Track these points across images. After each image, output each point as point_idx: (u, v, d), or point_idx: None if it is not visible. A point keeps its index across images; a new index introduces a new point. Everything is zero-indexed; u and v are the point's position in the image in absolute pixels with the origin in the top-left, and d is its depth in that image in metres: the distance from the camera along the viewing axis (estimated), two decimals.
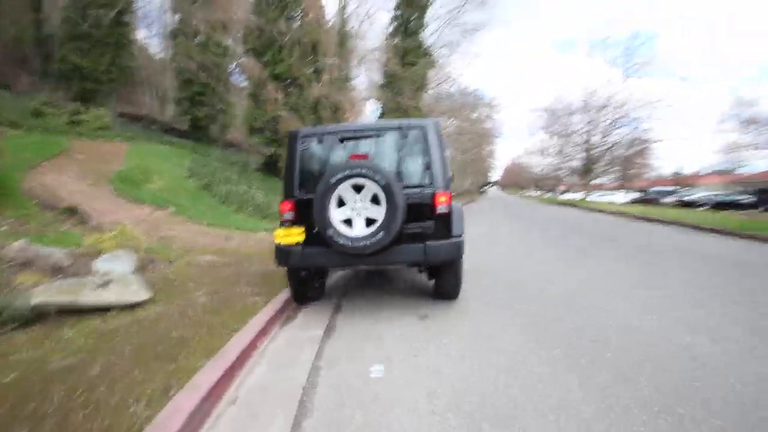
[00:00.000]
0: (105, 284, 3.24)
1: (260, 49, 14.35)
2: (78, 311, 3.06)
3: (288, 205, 3.53)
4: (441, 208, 3.37)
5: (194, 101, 19.04)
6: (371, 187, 3.19)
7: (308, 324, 3.44)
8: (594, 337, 2.87)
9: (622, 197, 32.86)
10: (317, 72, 14.95)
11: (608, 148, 28.35)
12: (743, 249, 6.64)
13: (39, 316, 2.90)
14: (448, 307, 3.72)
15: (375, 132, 3.59)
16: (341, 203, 3.27)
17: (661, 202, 22.11)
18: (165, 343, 2.67)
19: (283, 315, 3.63)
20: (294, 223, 3.52)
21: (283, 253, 3.49)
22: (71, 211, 6.23)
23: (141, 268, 4.52)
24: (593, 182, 32.83)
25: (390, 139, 3.56)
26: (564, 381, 2.25)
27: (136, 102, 24.57)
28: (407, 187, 3.35)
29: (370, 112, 21.35)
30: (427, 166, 3.45)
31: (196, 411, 1.93)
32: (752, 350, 2.59)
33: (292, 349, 2.90)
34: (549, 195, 46.69)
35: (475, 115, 30.23)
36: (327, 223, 3.22)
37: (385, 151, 3.53)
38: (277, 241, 3.53)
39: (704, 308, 3.45)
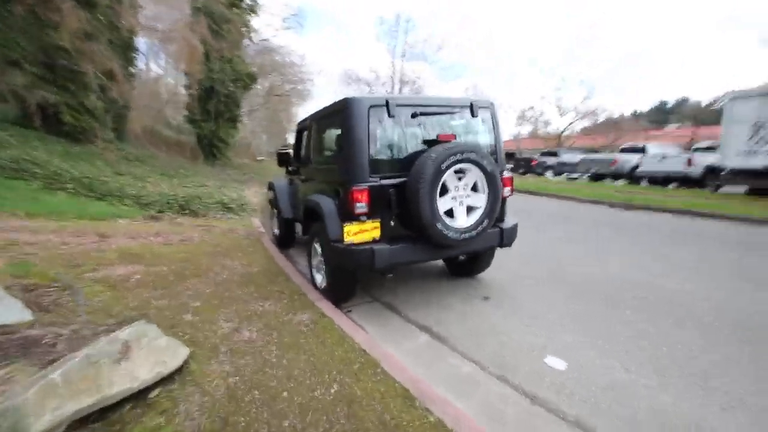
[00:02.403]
0: (125, 352, 1.83)
1: None
2: (99, 411, 1.65)
3: (362, 194, 2.81)
4: (506, 191, 3.42)
5: None
6: (474, 173, 2.92)
7: (392, 331, 2.94)
8: (633, 293, 3.69)
9: None
10: None
11: None
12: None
13: None
14: (488, 285, 3.89)
15: (447, 108, 3.21)
16: (443, 191, 2.86)
17: None
18: (333, 414, 1.83)
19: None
20: (368, 215, 2.85)
21: (362, 255, 2.80)
22: None
23: (38, 308, 2.66)
24: None
25: (460, 118, 3.27)
26: (688, 336, 2.90)
27: None
28: None
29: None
30: (493, 148, 3.39)
31: None
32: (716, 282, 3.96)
33: (435, 363, 2.49)
34: None
35: (290, 75, 28.84)
36: (436, 216, 2.78)
37: (455, 131, 3.23)
38: (348, 239, 2.80)
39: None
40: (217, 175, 14.60)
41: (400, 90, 32.34)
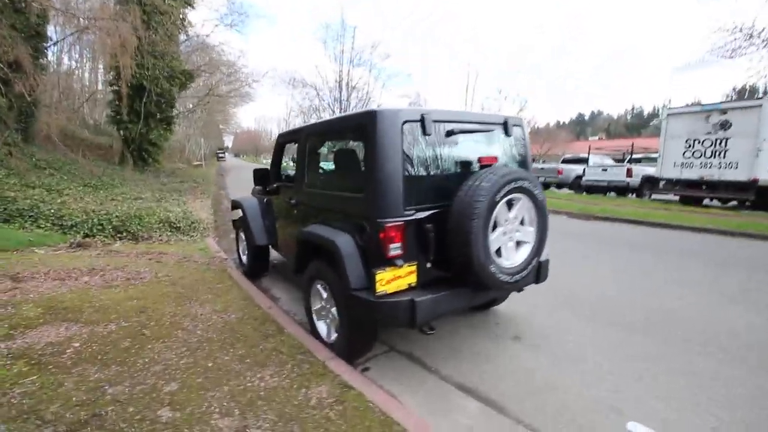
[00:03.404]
0: None
1: None
2: None
3: (397, 232, 2.24)
4: None
5: None
6: (525, 204, 2.47)
7: (432, 397, 2.39)
8: (645, 315, 3.48)
9: None
10: None
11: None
12: None
13: None
14: (506, 318, 3.49)
15: (483, 125, 2.73)
16: (493, 226, 2.37)
17: None
18: None
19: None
20: (404, 258, 2.28)
21: (400, 308, 2.23)
22: None
23: None
24: None
25: (495, 137, 2.82)
26: (734, 372, 2.68)
27: None
28: None
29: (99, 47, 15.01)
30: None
31: None
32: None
33: None
34: None
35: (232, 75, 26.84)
36: (490, 257, 2.28)
37: (491, 152, 2.77)
38: (381, 289, 2.21)
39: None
40: (152, 185, 12.90)
41: (348, 96, 31.69)
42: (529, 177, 2.44)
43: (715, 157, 10.98)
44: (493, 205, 2.24)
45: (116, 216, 6.01)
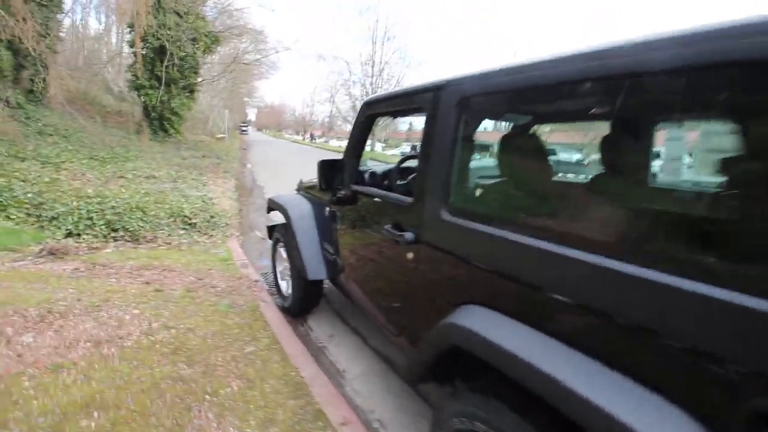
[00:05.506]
0: None
1: None
2: None
3: None
4: None
5: None
6: None
7: None
8: None
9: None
10: None
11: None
12: None
13: None
14: None
15: None
16: None
17: None
18: None
19: None
20: None
21: None
22: None
23: None
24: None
25: None
26: None
27: None
28: None
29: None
30: None
31: None
32: None
33: None
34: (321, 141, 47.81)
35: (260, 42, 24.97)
36: None
37: None
38: None
39: None
40: (170, 159, 11.48)
41: (381, 72, 29.71)
42: None
43: None
44: None
45: (112, 207, 4.47)
